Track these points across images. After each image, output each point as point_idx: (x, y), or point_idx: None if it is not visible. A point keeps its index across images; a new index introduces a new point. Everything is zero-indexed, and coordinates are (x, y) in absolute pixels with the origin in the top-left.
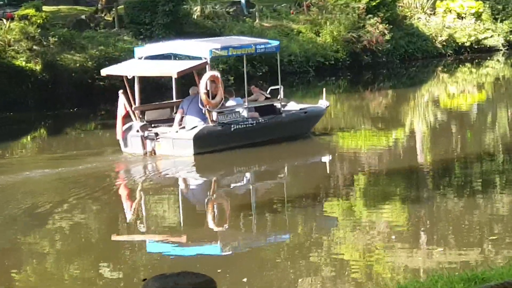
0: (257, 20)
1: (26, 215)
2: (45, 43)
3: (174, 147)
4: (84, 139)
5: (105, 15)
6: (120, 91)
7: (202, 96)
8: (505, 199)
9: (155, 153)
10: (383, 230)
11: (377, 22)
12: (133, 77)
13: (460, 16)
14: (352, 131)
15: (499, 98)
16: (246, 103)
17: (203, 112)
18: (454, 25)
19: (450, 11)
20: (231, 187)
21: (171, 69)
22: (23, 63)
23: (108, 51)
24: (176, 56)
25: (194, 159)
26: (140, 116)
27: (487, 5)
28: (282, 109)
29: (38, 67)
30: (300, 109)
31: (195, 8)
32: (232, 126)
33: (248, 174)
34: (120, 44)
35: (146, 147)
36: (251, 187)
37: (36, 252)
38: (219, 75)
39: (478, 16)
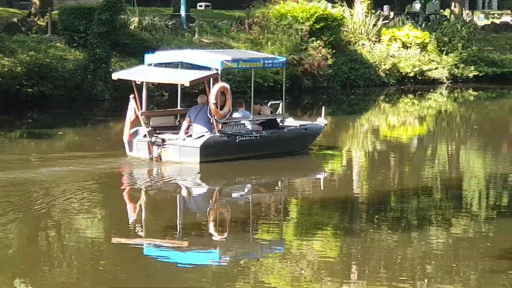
0: (196, 36)
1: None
2: None
3: (180, 154)
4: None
5: (38, 19)
6: (131, 96)
7: (212, 106)
8: (440, 236)
9: (160, 159)
10: (313, 260)
11: (320, 45)
12: (142, 83)
13: (405, 46)
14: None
15: (440, 133)
16: (251, 116)
17: (211, 121)
18: (399, 54)
19: (395, 39)
20: (232, 197)
21: (184, 78)
22: None
23: (39, 57)
24: (184, 65)
25: (199, 167)
26: (146, 122)
27: (433, 37)
28: (282, 124)
29: None
30: (300, 125)
31: (132, 19)
32: (237, 137)
33: (248, 186)
34: (52, 50)
35: (152, 153)
36: (250, 198)
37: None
38: (228, 87)
39: (423, 46)
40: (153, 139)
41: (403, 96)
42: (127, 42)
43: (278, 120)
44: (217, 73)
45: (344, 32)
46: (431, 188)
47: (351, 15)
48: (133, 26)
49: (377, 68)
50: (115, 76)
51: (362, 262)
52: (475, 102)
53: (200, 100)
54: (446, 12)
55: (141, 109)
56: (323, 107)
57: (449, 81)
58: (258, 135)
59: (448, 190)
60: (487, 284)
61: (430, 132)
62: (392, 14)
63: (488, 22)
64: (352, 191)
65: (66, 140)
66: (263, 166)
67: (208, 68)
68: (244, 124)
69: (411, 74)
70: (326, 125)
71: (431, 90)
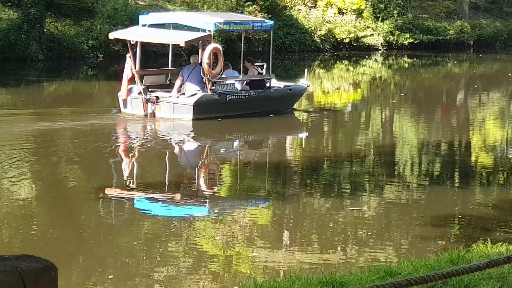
0: None
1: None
2: None
3: (174, 111)
4: None
5: None
6: (128, 55)
7: (205, 66)
8: (372, 203)
9: (154, 116)
10: (245, 225)
11: (256, 10)
12: (136, 42)
13: (341, 12)
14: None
15: (374, 99)
16: (241, 76)
17: (204, 81)
18: (335, 20)
19: (331, 5)
20: (222, 152)
21: (179, 38)
22: None
23: None
24: (175, 26)
25: (192, 124)
26: (140, 80)
27: (369, 3)
28: (269, 84)
29: None
30: (285, 86)
31: None
32: (228, 96)
33: (237, 142)
34: None
35: (146, 109)
36: (238, 154)
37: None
38: (220, 48)
39: (359, 13)
40: (148, 96)
41: (338, 62)
42: (62, 2)
43: (267, 80)
44: (210, 34)
45: None
46: (364, 155)
47: None
48: None
49: (313, 34)
50: (111, 35)
51: (294, 228)
52: (410, 69)
53: (193, 60)
54: None
55: (135, 67)
56: (306, 69)
57: (384, 48)
58: (247, 94)
59: (381, 156)
60: (418, 251)
61: (364, 98)
62: None
63: None
64: (285, 156)
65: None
66: (250, 124)
67: (201, 30)
68: (233, 83)
69: (346, 40)
70: (308, 86)
71: (366, 57)
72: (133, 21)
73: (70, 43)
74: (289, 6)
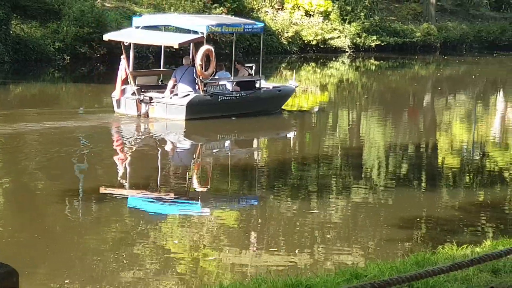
0: (99, 0)
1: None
2: None
3: (167, 111)
4: None
5: None
6: (122, 56)
7: (198, 67)
8: (339, 205)
9: (147, 116)
10: (212, 227)
11: (223, 12)
12: (129, 44)
13: (308, 14)
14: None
15: (341, 101)
16: (232, 77)
17: (196, 82)
18: (302, 22)
19: (298, 7)
20: (214, 152)
21: (173, 40)
22: None
23: None
24: (167, 28)
25: (184, 124)
26: (134, 81)
27: (336, 5)
28: (259, 85)
29: None
30: (274, 87)
31: None
32: (219, 97)
33: (228, 142)
34: None
35: (140, 110)
36: (229, 154)
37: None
38: (213, 49)
39: (326, 15)
40: (142, 97)
41: (305, 64)
42: (28, 4)
43: (257, 81)
44: (203, 36)
45: None
46: (332, 157)
47: None
48: None
49: (280, 36)
50: (106, 37)
51: (261, 230)
52: (377, 71)
53: (185, 62)
54: None
55: (129, 68)
56: (294, 70)
57: (351, 50)
58: (238, 95)
59: (349, 159)
60: (384, 253)
61: (331, 100)
62: None
63: None
64: (253, 158)
65: None
66: (241, 124)
67: (193, 32)
68: (225, 84)
69: (314, 42)
70: (297, 87)
71: (333, 59)
72: (100, 23)
73: (36, 45)
74: (256, 8)
